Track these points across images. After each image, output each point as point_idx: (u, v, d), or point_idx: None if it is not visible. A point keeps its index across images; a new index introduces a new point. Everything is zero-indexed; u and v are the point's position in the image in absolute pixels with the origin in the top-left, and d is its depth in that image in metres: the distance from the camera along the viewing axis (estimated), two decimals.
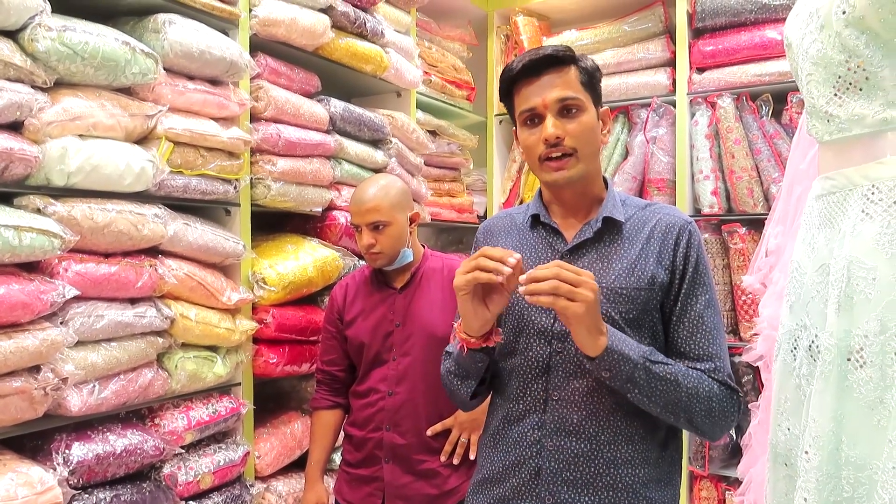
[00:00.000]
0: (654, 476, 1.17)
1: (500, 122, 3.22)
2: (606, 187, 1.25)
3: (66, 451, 1.47)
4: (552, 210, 1.26)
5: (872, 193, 0.97)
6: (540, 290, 1.02)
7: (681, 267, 1.17)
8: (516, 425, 1.21)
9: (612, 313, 1.15)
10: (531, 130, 1.18)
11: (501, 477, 1.22)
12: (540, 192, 1.29)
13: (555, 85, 1.15)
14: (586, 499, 1.15)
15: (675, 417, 1.13)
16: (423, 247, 1.92)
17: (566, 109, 1.16)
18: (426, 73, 2.82)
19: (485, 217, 3.27)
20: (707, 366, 1.15)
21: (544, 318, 1.19)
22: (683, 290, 1.17)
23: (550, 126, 1.15)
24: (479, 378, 1.23)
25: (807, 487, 0.98)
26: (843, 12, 0.98)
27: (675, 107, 2.78)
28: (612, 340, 1.08)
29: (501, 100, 1.27)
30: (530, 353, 1.19)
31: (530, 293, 1.03)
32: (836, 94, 1.03)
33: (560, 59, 1.16)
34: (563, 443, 1.16)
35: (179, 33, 1.68)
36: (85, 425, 1.56)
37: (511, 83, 1.20)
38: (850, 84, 1.01)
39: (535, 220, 1.25)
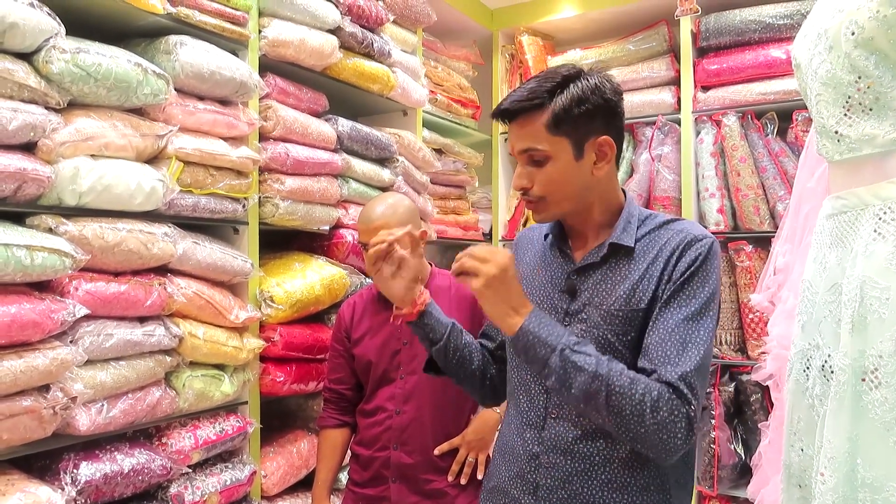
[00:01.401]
0: (657, 502, 1.13)
1: (505, 140, 3.23)
2: (625, 206, 1.22)
3: (75, 470, 1.46)
4: (568, 229, 1.26)
5: (885, 213, 0.97)
6: (455, 269, 1.14)
7: (676, 276, 1.11)
8: (520, 438, 1.22)
9: (609, 336, 1.13)
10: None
11: (507, 487, 1.23)
12: None
13: (519, 135, 1.16)
14: None
15: (598, 417, 1.07)
16: (431, 265, 1.92)
17: (531, 160, 1.16)
18: (432, 91, 2.84)
19: (490, 235, 3.28)
20: (663, 368, 1.06)
21: None
22: (665, 297, 1.11)
23: (517, 176, 1.18)
24: (441, 350, 1.30)
25: None
26: (853, 33, 0.99)
27: (680, 125, 2.79)
28: (529, 322, 1.09)
29: None
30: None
31: (453, 271, 1.14)
32: (845, 115, 1.04)
33: (523, 110, 1.14)
34: (558, 460, 1.15)
35: (190, 54, 1.70)
36: (93, 444, 1.55)
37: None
38: (860, 104, 1.02)
39: (552, 239, 1.27)
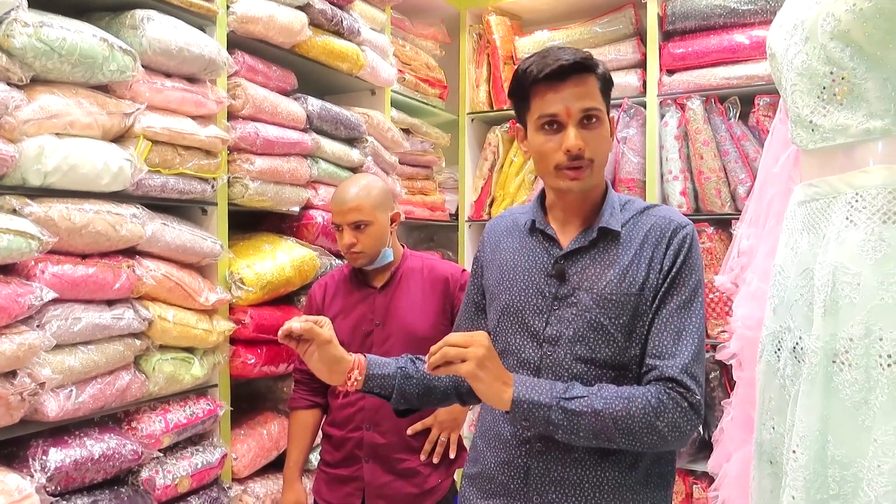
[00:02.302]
0: (643, 479, 1.18)
1: (472, 120, 3.23)
2: (606, 192, 1.25)
3: (44, 457, 1.43)
4: (552, 214, 1.26)
5: (856, 201, 1.01)
6: (432, 362, 1.11)
7: (667, 267, 1.16)
8: (508, 425, 1.22)
9: (602, 319, 1.15)
10: (548, 136, 1.16)
11: (493, 473, 1.24)
12: (541, 195, 1.29)
13: (579, 94, 1.14)
14: (573, 499, 1.16)
15: (614, 444, 1.11)
16: (403, 246, 1.92)
17: (587, 119, 1.15)
18: (400, 71, 2.81)
19: (456, 215, 3.29)
20: (663, 363, 1.11)
21: (537, 322, 1.20)
22: (662, 290, 1.16)
23: (573, 137, 1.14)
24: (399, 398, 1.29)
25: (795, 486, 1.01)
26: (829, 25, 1.02)
27: (645, 108, 2.83)
28: (518, 391, 1.11)
29: (511, 96, 1.23)
30: (523, 355, 1.21)
31: (429, 368, 1.12)
32: (820, 105, 1.07)
33: (585, 67, 1.15)
34: (551, 444, 1.17)
35: (158, 30, 1.64)
36: (61, 430, 1.52)
37: (530, 85, 1.17)
38: (835, 95, 1.05)
39: (534, 225, 1.26)
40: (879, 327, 0.95)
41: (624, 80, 2.88)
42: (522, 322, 1.22)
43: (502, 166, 3.14)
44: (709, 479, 2.53)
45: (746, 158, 2.60)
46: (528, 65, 1.17)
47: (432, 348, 1.12)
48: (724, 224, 2.67)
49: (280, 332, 1.21)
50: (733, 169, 2.62)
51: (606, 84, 1.20)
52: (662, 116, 2.79)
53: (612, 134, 1.22)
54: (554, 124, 1.16)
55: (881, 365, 0.94)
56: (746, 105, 2.66)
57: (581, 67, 1.15)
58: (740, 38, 2.62)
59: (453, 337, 1.13)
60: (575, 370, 1.16)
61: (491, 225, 1.38)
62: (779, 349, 1.15)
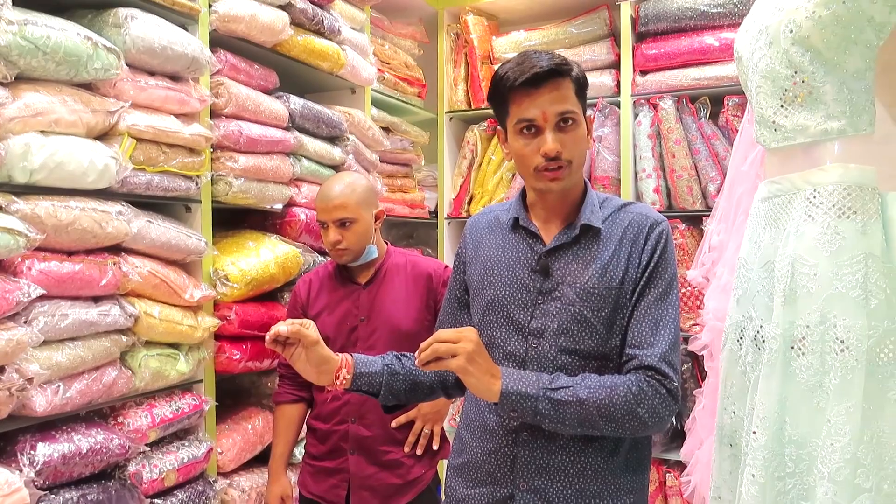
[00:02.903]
0: (623, 463, 1.24)
1: (451, 119, 3.28)
2: (586, 189, 1.31)
3: (32, 451, 1.45)
4: (534, 212, 1.31)
5: (815, 197, 1.07)
6: (423, 358, 1.15)
7: (644, 262, 1.23)
8: (495, 415, 1.27)
9: (585, 312, 1.21)
10: (527, 140, 1.21)
11: (479, 462, 1.28)
12: (522, 193, 1.34)
13: (555, 99, 1.19)
14: (558, 485, 1.22)
15: (598, 431, 1.17)
16: (387, 243, 1.97)
17: (563, 122, 1.20)
18: (379, 70, 2.85)
19: (435, 213, 3.33)
20: (642, 352, 1.18)
21: (522, 315, 1.25)
22: (641, 283, 1.23)
23: (550, 140, 1.19)
24: (387, 394, 1.32)
25: (754, 464, 1.08)
26: (791, 31, 1.08)
27: (619, 107, 2.90)
28: (506, 383, 1.16)
29: (490, 101, 1.28)
30: (508, 348, 1.26)
31: (419, 364, 1.15)
32: (782, 106, 1.13)
33: (560, 73, 1.20)
34: (536, 432, 1.22)
35: (141, 28, 1.66)
36: (49, 426, 1.54)
37: (507, 91, 1.21)
38: (795, 97, 1.11)
39: (516, 223, 1.31)
40: (834, 315, 1.01)
41: (598, 80, 2.94)
42: (508, 316, 1.26)
43: (480, 164, 3.19)
44: (682, 467, 2.60)
45: (717, 157, 2.68)
46: (506, 71, 1.22)
47: (422, 345, 1.16)
48: (695, 220, 2.75)
49: (267, 338, 1.22)
50: (704, 167, 2.69)
51: (581, 86, 1.24)
52: (636, 116, 2.86)
53: (588, 133, 1.27)
54: (532, 128, 1.21)
55: (835, 350, 1.00)
56: (716, 105, 2.74)
57: (556, 73, 1.20)
58: (710, 40, 2.70)
59: (443, 333, 1.17)
60: (559, 361, 1.21)
61: (472, 222, 1.42)
62: (741, 338, 1.21)
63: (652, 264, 1.23)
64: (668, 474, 2.76)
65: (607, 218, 1.27)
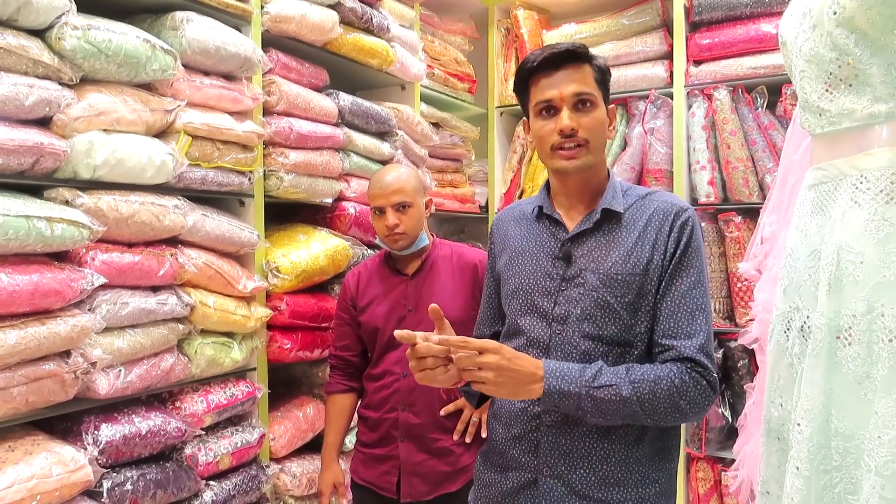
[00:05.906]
0: (650, 452, 1.23)
1: (501, 114, 3.28)
2: (609, 178, 1.31)
3: (96, 431, 1.54)
4: (557, 201, 1.33)
5: (861, 183, 1.04)
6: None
7: (671, 249, 1.22)
8: (520, 401, 1.28)
9: (609, 298, 1.21)
10: (545, 121, 1.24)
11: (504, 448, 1.30)
12: (547, 184, 1.36)
13: (572, 80, 1.22)
14: (581, 471, 1.22)
15: (639, 422, 1.18)
16: (433, 235, 1.99)
17: (581, 103, 1.22)
18: (429, 66, 2.88)
19: (486, 208, 3.34)
20: (680, 343, 1.18)
21: (546, 302, 1.26)
22: (669, 271, 1.22)
23: (566, 118, 1.21)
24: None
25: (799, 457, 1.05)
26: (834, 13, 1.05)
27: (672, 99, 2.85)
28: (548, 383, 1.15)
29: (515, 91, 1.32)
30: (532, 334, 1.27)
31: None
32: (827, 90, 1.10)
33: (577, 56, 1.23)
34: (559, 419, 1.23)
35: (196, 30, 1.74)
36: (111, 408, 1.63)
37: (528, 75, 1.25)
38: (841, 80, 1.08)
39: (541, 212, 1.33)
40: (881, 304, 0.98)
41: (651, 72, 2.90)
42: (532, 303, 1.28)
43: (531, 159, 3.18)
44: None
45: (774, 147, 2.60)
46: (527, 59, 1.25)
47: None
48: (752, 213, 2.68)
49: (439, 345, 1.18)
50: (760, 158, 2.62)
51: (603, 74, 1.26)
52: (690, 107, 2.80)
53: (610, 123, 1.28)
54: (550, 109, 1.23)
55: (882, 340, 0.97)
56: (774, 94, 2.66)
57: (573, 56, 1.22)
58: (767, 27, 2.62)
59: (462, 356, 1.13)
60: (583, 347, 1.21)
61: (499, 217, 1.45)
62: (788, 329, 1.18)
63: (680, 251, 1.22)
64: (723, 473, 2.70)
65: (631, 205, 1.27)
